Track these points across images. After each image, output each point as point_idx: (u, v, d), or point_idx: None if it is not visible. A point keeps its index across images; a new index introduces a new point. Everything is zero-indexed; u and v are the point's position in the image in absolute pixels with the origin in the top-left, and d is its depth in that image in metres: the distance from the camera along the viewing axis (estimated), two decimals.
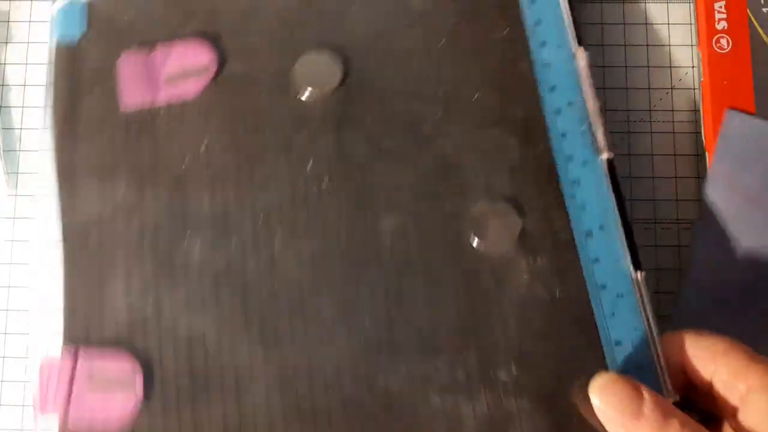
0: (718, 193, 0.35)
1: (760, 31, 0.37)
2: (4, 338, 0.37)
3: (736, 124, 0.35)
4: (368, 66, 0.32)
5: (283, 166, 0.28)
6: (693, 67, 0.38)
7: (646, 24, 0.39)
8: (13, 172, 0.38)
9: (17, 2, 0.40)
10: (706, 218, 0.35)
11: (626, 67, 0.38)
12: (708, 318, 0.33)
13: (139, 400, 0.26)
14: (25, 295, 0.37)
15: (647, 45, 0.39)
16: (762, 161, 0.35)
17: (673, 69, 0.38)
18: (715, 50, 0.37)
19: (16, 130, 0.38)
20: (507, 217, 0.30)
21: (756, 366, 0.26)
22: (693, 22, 0.39)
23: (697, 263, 0.34)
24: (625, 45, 0.39)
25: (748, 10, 0.37)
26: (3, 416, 0.36)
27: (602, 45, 0.39)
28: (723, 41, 0.37)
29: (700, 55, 0.37)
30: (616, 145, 0.38)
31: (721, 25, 0.37)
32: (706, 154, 0.37)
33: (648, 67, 0.38)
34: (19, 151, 0.38)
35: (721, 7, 0.37)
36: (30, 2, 0.40)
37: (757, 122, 0.35)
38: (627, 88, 0.38)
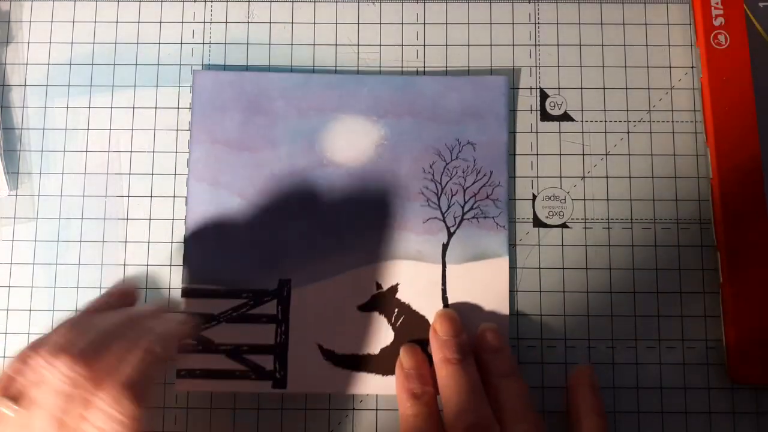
0: (203, 146, 0.37)
1: (758, 26, 0.37)
2: (4, 338, 0.37)
3: (204, 81, 0.38)
4: None
5: None
6: (693, 67, 0.38)
7: (645, 24, 0.39)
8: (13, 172, 0.38)
9: (17, 2, 0.40)
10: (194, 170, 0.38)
11: (626, 67, 0.38)
12: None
13: None
14: (25, 296, 0.37)
15: (647, 45, 0.39)
16: (234, 108, 0.37)
17: (673, 69, 0.39)
18: (714, 46, 0.37)
19: (16, 130, 0.38)
20: None
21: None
22: (692, 21, 0.39)
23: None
24: (625, 45, 0.39)
25: (744, 6, 0.37)
26: None
27: (602, 45, 0.39)
28: (721, 37, 0.37)
29: (699, 52, 0.37)
30: (615, 145, 0.38)
31: (719, 21, 0.37)
32: (708, 149, 0.37)
33: (648, 67, 0.39)
34: (20, 151, 0.38)
35: (717, 3, 0.37)
36: (30, 2, 0.40)
37: (223, 74, 0.38)
38: (627, 88, 0.38)
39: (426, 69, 0.39)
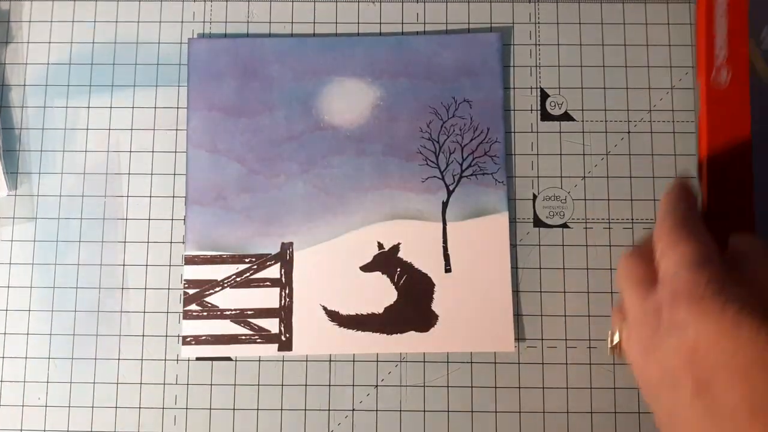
0: (200, 114, 0.38)
1: (759, 62, 0.37)
2: (4, 338, 0.37)
3: (199, 48, 0.38)
4: None
5: None
6: (693, 67, 0.38)
7: (646, 24, 0.39)
8: (12, 172, 0.38)
9: (17, 2, 0.40)
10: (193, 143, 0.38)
11: (626, 67, 0.38)
12: None
13: None
14: (24, 296, 0.37)
15: (647, 45, 0.39)
16: (229, 75, 0.38)
17: (673, 69, 0.39)
18: (713, 84, 0.36)
19: (15, 130, 0.38)
20: None
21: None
22: (693, 22, 0.39)
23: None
24: (625, 45, 0.39)
25: (748, 43, 0.36)
26: (3, 416, 0.36)
27: (602, 45, 0.39)
28: (723, 72, 0.36)
29: (699, 87, 0.36)
30: (616, 145, 0.38)
31: (722, 57, 0.36)
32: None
33: (648, 67, 0.38)
34: (19, 151, 0.38)
35: (722, 40, 0.36)
36: (30, 2, 0.40)
37: (217, 41, 0.38)
38: (627, 88, 0.38)
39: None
